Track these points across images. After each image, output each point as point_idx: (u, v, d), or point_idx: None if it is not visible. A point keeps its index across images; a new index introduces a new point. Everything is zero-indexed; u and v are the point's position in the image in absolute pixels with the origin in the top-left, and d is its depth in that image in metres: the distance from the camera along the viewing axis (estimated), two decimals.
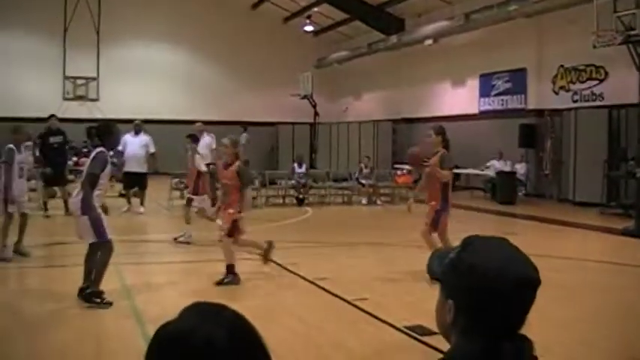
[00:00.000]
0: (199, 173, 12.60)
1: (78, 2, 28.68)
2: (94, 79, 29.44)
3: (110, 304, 7.72)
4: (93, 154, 8.01)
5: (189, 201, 12.73)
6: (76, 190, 8.05)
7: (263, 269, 9.69)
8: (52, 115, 16.80)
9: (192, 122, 25.80)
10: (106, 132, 8.20)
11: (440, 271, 1.70)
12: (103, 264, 7.87)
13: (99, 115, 27.69)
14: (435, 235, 9.28)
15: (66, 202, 15.53)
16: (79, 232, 8.01)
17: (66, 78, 29.14)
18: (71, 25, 28.89)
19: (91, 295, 7.68)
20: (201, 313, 1.37)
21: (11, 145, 10.22)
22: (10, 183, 10.24)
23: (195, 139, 13.57)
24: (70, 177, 17.82)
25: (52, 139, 16.19)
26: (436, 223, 9.27)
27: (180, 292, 8.40)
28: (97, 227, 7.77)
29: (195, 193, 12.55)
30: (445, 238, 9.19)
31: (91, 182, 7.76)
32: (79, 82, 29.24)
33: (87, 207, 7.72)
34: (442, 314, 1.69)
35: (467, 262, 1.61)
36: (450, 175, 9.45)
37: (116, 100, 28.66)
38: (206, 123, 18.52)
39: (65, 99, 28.63)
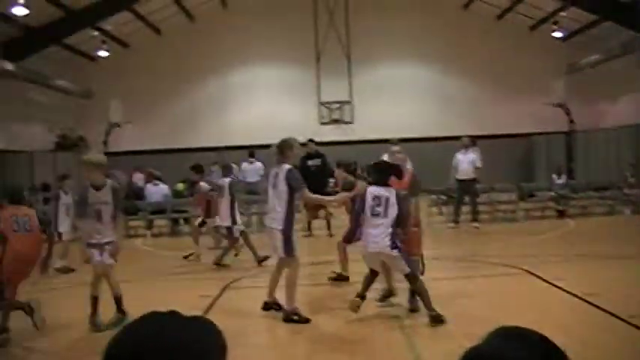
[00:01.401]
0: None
1: (327, 33, 30.14)
2: (347, 102, 30.64)
3: (308, 320, 7.95)
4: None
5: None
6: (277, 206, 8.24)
7: (534, 286, 9.63)
8: (310, 140, 17.76)
9: (444, 138, 26.31)
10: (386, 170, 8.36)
11: None
12: (292, 281, 8.09)
13: (353, 138, 28.93)
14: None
15: (328, 223, 16.43)
16: (273, 246, 8.33)
17: (321, 104, 30.63)
18: (323, 54, 30.39)
19: (287, 311, 7.99)
20: (508, 337, 1.46)
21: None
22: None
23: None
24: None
25: (310, 163, 17.08)
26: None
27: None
28: (288, 242, 8.07)
29: None
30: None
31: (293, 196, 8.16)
32: (334, 106, 30.56)
33: (285, 221, 8.06)
34: None
35: None
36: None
37: (369, 121, 29.70)
38: (453, 138, 18.72)
39: (322, 123, 30.09)
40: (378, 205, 7.77)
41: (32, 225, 7.89)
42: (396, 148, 9.98)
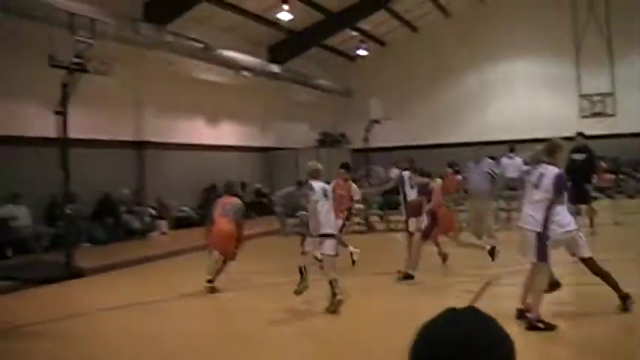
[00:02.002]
0: None
1: (587, 22, 28.83)
2: (609, 94, 29.13)
3: (553, 327, 7.46)
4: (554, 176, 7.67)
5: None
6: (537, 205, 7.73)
7: None
8: (580, 134, 17.02)
9: None
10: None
11: None
12: (539, 288, 7.64)
13: (616, 131, 27.48)
14: None
15: (591, 220, 15.71)
16: (523, 247, 7.86)
17: (581, 96, 29.39)
18: (583, 45, 29.08)
19: (530, 319, 7.51)
20: None
21: None
22: None
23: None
24: (596, 194, 17.78)
25: (575, 156, 16.35)
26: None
27: None
28: (542, 247, 7.58)
29: None
30: None
31: (555, 201, 7.65)
32: (595, 98, 29.21)
33: (543, 225, 7.58)
34: None
35: None
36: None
37: (633, 113, 28.00)
38: None
39: (582, 117, 28.83)
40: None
41: (230, 212, 11.03)
42: None
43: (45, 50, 12.20)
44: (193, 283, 11.46)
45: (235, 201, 11.34)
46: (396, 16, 29.10)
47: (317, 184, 9.43)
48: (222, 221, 10.98)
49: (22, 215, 15.74)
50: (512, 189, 19.17)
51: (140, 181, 20.54)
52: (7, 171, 15.79)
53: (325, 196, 9.42)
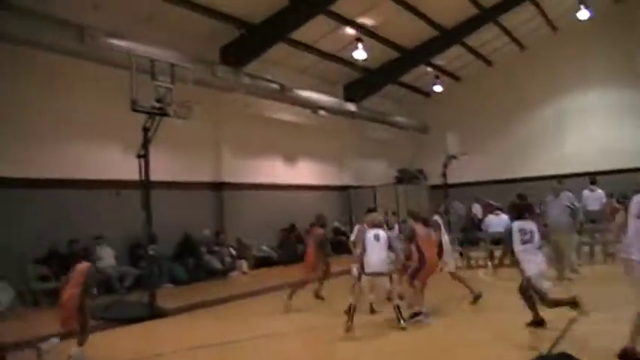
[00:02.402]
0: None
1: None
2: None
3: None
4: None
5: None
6: None
7: None
8: None
9: None
10: None
11: None
12: None
13: None
14: None
15: None
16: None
17: None
18: None
19: (626, 352, 7.02)
20: None
21: None
22: None
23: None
24: None
25: None
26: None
27: None
28: None
29: None
30: None
31: None
32: None
33: None
34: None
35: None
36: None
37: None
38: None
39: None
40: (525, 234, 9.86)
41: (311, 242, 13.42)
42: None
43: (126, 95, 12.58)
44: (271, 323, 11.51)
45: (318, 231, 13.56)
46: (471, 50, 29.00)
47: (371, 231, 10.85)
48: (309, 250, 13.41)
49: (106, 256, 16.16)
50: (594, 221, 18.77)
51: (220, 221, 20.84)
52: (92, 212, 16.30)
53: (377, 240, 10.68)
